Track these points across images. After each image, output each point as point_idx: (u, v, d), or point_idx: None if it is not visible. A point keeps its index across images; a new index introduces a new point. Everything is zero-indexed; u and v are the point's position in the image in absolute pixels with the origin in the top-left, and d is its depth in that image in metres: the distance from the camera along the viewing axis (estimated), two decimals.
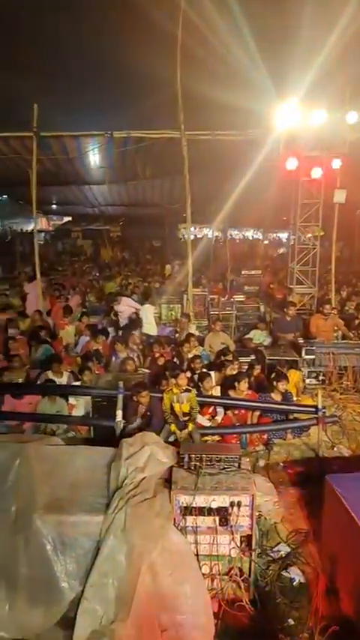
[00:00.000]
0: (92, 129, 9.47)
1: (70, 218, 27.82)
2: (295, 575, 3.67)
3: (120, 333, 9.21)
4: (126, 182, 14.47)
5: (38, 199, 10.13)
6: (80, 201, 18.63)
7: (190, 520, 3.38)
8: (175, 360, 7.75)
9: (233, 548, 3.45)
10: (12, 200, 21.24)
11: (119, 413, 5.34)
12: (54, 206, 21.96)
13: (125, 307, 9.62)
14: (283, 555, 3.86)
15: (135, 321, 9.46)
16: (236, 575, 3.44)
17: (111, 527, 3.14)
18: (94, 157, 11.20)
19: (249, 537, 3.49)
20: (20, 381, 6.95)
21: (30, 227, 24.17)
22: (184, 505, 3.39)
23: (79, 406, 6.50)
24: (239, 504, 3.40)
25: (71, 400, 6.47)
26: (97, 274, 17.24)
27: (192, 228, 10.59)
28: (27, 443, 3.85)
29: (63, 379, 6.86)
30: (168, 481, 3.62)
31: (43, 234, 26.20)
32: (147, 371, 7.47)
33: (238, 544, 3.46)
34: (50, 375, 6.79)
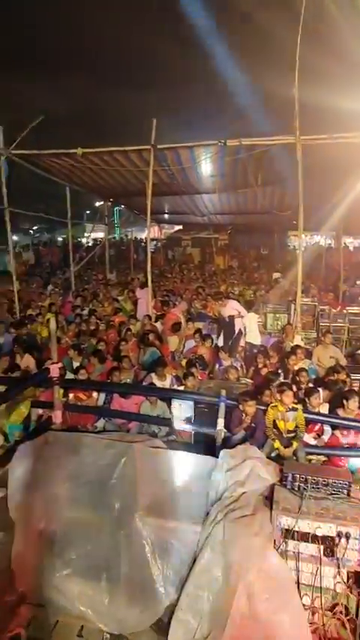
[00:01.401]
0: (206, 139, 9.65)
1: (180, 227, 28.71)
2: None
3: (221, 336, 9.19)
4: (236, 190, 14.45)
5: (152, 209, 10.58)
6: (191, 210, 19.08)
7: (291, 544, 3.19)
8: (279, 371, 7.49)
9: (339, 582, 3.17)
10: (128, 210, 22.57)
11: (220, 421, 5.27)
12: (166, 215, 22.81)
13: (231, 310, 9.51)
14: None
15: (240, 330, 9.35)
16: (341, 612, 3.15)
17: (208, 540, 3.10)
18: (206, 167, 11.38)
19: (357, 574, 3.18)
20: (128, 381, 7.30)
21: (144, 235, 25.48)
22: (286, 527, 3.21)
23: (182, 411, 6.59)
24: (347, 536, 3.12)
25: (174, 404, 6.58)
26: (203, 282, 17.49)
27: (302, 236, 10.18)
28: (132, 443, 3.98)
29: (166, 383, 7.04)
30: (269, 499, 3.47)
31: (155, 242, 27.42)
32: (250, 381, 7.33)
33: (345, 579, 3.17)
34: (154, 378, 7.01)
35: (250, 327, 9.31)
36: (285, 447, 4.97)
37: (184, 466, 3.83)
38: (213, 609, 2.94)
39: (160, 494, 3.51)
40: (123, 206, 22.61)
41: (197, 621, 2.94)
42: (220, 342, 9.16)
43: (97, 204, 24.06)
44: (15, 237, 24.65)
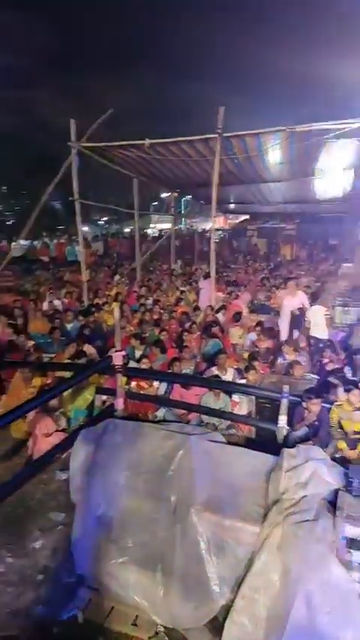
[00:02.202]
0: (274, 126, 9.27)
1: (247, 216, 28.19)
2: None
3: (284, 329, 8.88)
4: (305, 177, 13.85)
5: (218, 199, 10.43)
6: (257, 200, 18.62)
7: (357, 555, 2.97)
8: (347, 368, 7.09)
9: None
10: (194, 200, 22.53)
11: (282, 418, 5.08)
12: (232, 205, 22.48)
13: (299, 302, 9.10)
14: None
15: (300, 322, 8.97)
16: None
17: (266, 542, 2.97)
18: (274, 154, 10.98)
19: None
20: (189, 372, 7.28)
21: (209, 226, 25.37)
22: (351, 537, 2.99)
23: (243, 404, 6.47)
24: None
25: (235, 397, 6.48)
26: (269, 273, 17.05)
27: None
28: (191, 435, 3.93)
29: (228, 375, 6.93)
30: (332, 505, 3.26)
31: (220, 233, 27.16)
32: (315, 376, 7.02)
33: None
34: (215, 370, 6.93)
35: (316, 321, 8.87)
36: (351, 449, 4.69)
37: (242, 462, 3.72)
38: (270, 615, 2.83)
39: (217, 490, 3.43)
40: (189, 196, 22.59)
41: (253, 625, 2.84)
42: (283, 335, 8.87)
43: (164, 195, 24.28)
44: (85, 228, 25.60)
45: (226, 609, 2.98)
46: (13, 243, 18.49)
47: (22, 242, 18.86)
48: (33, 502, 4.72)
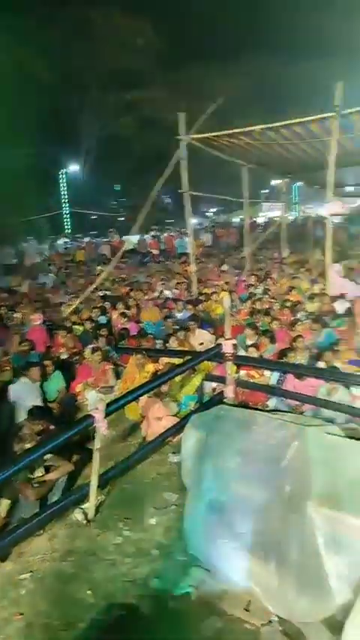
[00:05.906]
0: None
1: None
2: None
3: None
4: None
5: (334, 182, 9.79)
6: None
7: None
8: None
9: None
10: (308, 186, 21.51)
11: None
12: (349, 188, 20.98)
13: None
14: None
15: None
16: None
17: None
18: None
19: None
20: (302, 362, 6.97)
21: (324, 212, 24.01)
22: None
23: None
24: None
25: (355, 391, 6.05)
26: None
27: None
28: (306, 426, 3.74)
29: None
30: None
31: (337, 218, 25.51)
32: None
33: None
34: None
35: None
36: None
37: None
38: None
39: (336, 485, 3.19)
40: (301, 182, 21.61)
41: None
42: None
43: (274, 182, 23.59)
44: (194, 220, 26.01)
45: (346, 609, 2.79)
46: (124, 237, 19.51)
47: (134, 236, 19.82)
48: (147, 481, 4.95)
